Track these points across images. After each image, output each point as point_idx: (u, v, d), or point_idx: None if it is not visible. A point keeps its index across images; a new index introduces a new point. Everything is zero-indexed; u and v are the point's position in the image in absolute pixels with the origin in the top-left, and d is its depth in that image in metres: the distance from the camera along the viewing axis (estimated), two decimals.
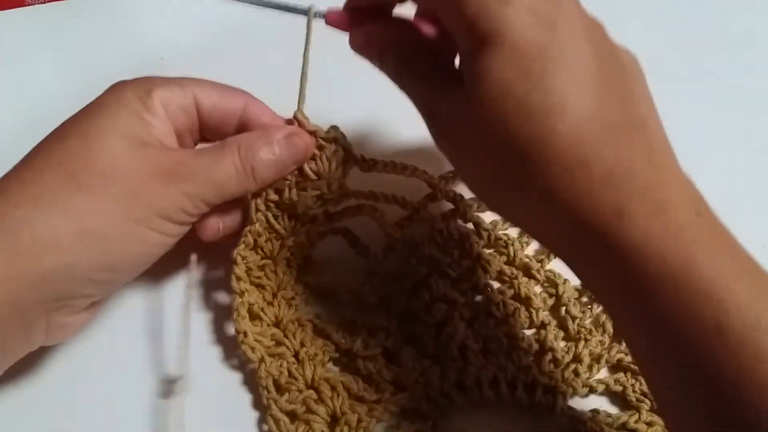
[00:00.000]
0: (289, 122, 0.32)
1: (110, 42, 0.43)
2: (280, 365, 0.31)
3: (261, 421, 0.31)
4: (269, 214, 0.32)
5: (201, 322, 0.33)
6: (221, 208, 0.31)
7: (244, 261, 0.32)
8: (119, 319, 0.33)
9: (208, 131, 0.32)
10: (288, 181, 0.31)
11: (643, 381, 0.32)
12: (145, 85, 0.30)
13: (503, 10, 0.23)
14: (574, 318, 0.34)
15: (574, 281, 0.35)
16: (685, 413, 0.24)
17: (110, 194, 0.27)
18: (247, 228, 0.32)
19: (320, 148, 0.32)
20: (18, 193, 0.26)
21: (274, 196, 0.32)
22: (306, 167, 0.31)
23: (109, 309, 0.33)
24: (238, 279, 0.31)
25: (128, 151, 0.28)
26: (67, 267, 0.26)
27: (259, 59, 0.42)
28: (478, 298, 0.34)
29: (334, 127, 0.32)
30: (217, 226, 0.31)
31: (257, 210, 0.32)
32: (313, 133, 0.32)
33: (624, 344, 0.33)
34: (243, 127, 0.32)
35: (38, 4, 0.45)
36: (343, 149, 0.32)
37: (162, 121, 0.29)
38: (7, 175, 0.28)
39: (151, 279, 0.34)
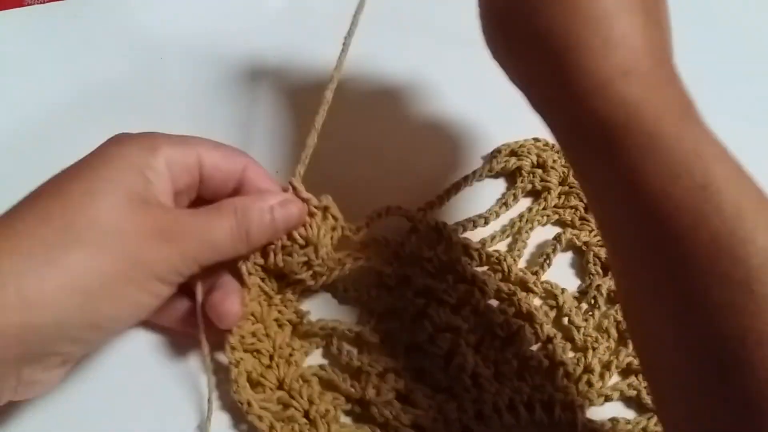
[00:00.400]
0: (284, 188, 0.31)
1: (110, 42, 0.42)
2: (292, 429, 0.30)
3: None
4: (256, 278, 0.31)
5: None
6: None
7: (238, 329, 0.30)
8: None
9: (206, 190, 0.31)
10: (274, 246, 0.31)
11: None
12: (151, 141, 0.29)
13: None
14: (578, 328, 0.33)
15: (572, 288, 0.35)
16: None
17: (108, 252, 0.26)
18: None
19: (311, 215, 0.31)
20: (10, 244, 0.25)
21: (260, 260, 0.31)
22: (295, 233, 0.31)
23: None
24: (233, 348, 0.30)
25: (129, 209, 0.27)
26: (52, 324, 0.25)
27: (259, 61, 0.42)
28: (481, 321, 0.33)
29: (326, 197, 0.32)
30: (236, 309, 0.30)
31: (249, 274, 0.31)
32: (306, 200, 0.31)
33: (631, 347, 0.33)
34: (240, 188, 0.31)
35: (38, 4, 0.45)
36: (333, 218, 0.32)
37: (164, 179, 0.29)
38: (1, 222, 0.26)
39: None
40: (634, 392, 0.32)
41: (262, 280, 0.32)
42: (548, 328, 0.33)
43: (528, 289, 0.34)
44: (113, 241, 0.26)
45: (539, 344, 0.33)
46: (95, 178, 0.27)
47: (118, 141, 0.29)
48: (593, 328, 0.34)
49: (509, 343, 0.33)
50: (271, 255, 0.31)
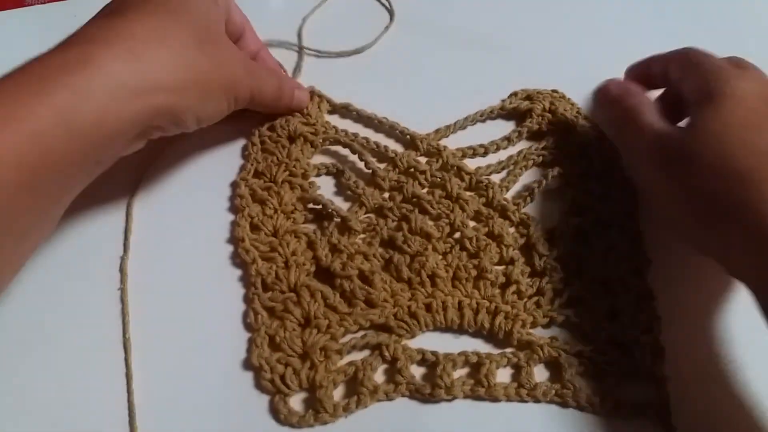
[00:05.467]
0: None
1: None
2: (270, 267, 0.35)
3: (246, 315, 0.35)
4: (266, 139, 0.39)
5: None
6: None
7: (246, 183, 0.37)
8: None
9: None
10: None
11: (600, 315, 0.34)
12: None
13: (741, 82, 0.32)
14: (541, 255, 0.36)
15: (546, 224, 0.37)
16: None
17: (222, 62, 0.34)
18: (248, 159, 0.38)
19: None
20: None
21: (267, 132, 0.39)
22: None
23: None
24: (241, 197, 0.37)
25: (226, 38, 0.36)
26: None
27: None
28: (453, 233, 0.37)
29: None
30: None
31: (253, 143, 0.38)
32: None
33: (583, 279, 0.35)
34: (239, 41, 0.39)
35: (38, 4, 0.45)
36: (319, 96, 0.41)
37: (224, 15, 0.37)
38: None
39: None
40: (578, 320, 0.34)
41: (274, 143, 0.39)
42: (513, 252, 0.36)
43: (505, 216, 0.37)
44: (226, 56, 0.34)
45: (502, 264, 0.36)
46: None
47: None
48: (554, 258, 0.36)
49: (473, 257, 0.36)
50: (277, 122, 0.39)
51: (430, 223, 0.37)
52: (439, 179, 0.38)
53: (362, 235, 0.37)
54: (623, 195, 0.37)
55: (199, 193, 0.39)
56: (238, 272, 0.36)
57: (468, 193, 0.38)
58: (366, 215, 0.38)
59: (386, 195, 0.38)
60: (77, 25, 0.31)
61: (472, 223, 0.37)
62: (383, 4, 0.46)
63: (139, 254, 0.37)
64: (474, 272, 0.36)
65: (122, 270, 0.36)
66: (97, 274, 0.36)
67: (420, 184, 0.38)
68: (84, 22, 0.32)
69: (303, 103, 0.40)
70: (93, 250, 0.37)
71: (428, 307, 0.35)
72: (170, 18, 0.32)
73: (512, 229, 0.37)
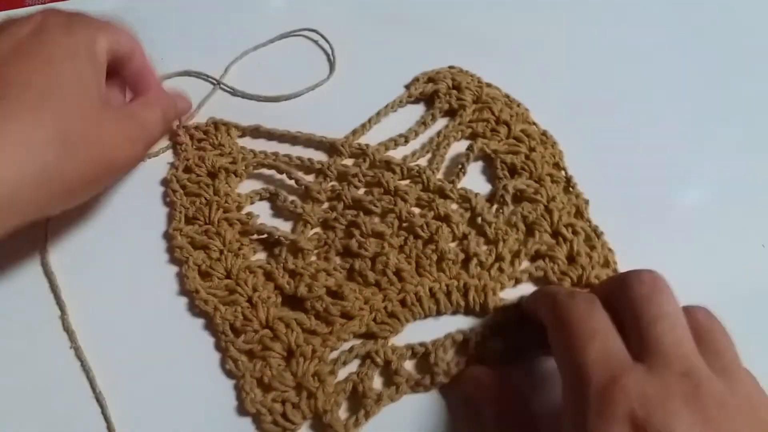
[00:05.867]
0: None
1: None
2: (235, 310, 0.34)
3: (223, 362, 0.34)
4: (186, 182, 0.38)
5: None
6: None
7: (180, 233, 0.36)
8: None
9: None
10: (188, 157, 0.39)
11: (560, 262, 0.36)
12: (93, 30, 0.33)
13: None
14: (489, 224, 0.37)
15: (484, 192, 0.39)
16: None
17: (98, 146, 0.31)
18: (174, 207, 0.37)
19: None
20: None
21: (184, 175, 0.38)
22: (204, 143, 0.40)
23: None
24: (180, 248, 0.36)
25: (97, 106, 0.32)
26: None
27: (258, 58, 0.44)
28: (404, 225, 0.37)
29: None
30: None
31: (174, 189, 0.38)
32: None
33: (538, 236, 0.37)
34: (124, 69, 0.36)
35: (38, 4, 0.45)
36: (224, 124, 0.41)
37: (104, 67, 0.33)
38: None
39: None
40: (542, 273, 0.36)
41: (197, 184, 0.38)
42: (463, 227, 0.37)
43: (445, 196, 0.38)
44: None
45: (456, 242, 0.37)
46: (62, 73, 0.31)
47: (68, 30, 0.32)
48: (503, 223, 0.37)
49: (429, 242, 0.37)
50: (191, 160, 0.39)
51: (378, 221, 0.37)
52: (372, 177, 0.38)
53: (316, 252, 0.37)
54: (545, 148, 0.40)
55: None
56: (200, 321, 0.35)
57: (404, 183, 0.39)
58: (313, 232, 0.37)
59: (326, 206, 0.38)
60: None
61: (417, 211, 0.38)
62: (328, 59, 0.45)
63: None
64: (434, 256, 0.36)
65: (67, 329, 0.34)
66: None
67: (355, 186, 0.38)
68: None
69: (185, 110, 0.40)
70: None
71: (403, 303, 0.35)
72: (30, 117, 0.29)
73: (455, 206, 0.38)
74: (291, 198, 0.38)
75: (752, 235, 0.38)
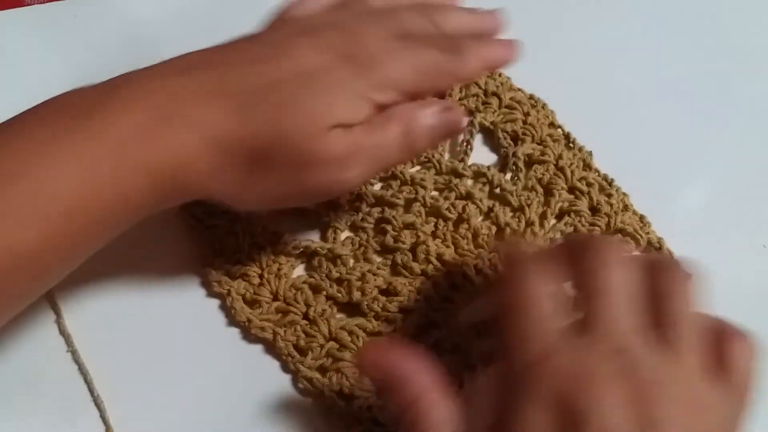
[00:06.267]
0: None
1: (110, 42, 0.43)
2: (294, 330, 0.34)
3: (295, 380, 0.33)
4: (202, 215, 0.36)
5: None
6: None
7: (214, 266, 0.35)
8: None
9: None
10: None
11: (585, 214, 0.38)
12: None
13: None
14: (510, 192, 0.38)
15: (491, 161, 0.40)
16: None
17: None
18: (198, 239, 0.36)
19: None
20: None
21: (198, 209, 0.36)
22: None
23: None
24: (218, 282, 0.35)
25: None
26: None
27: None
28: (430, 211, 0.38)
29: None
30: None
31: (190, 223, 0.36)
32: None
33: (557, 195, 0.38)
34: None
35: (38, 4, 0.45)
36: None
37: None
38: None
39: None
40: (572, 227, 0.38)
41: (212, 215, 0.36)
42: (486, 201, 0.38)
43: (460, 175, 0.39)
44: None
45: (483, 216, 0.38)
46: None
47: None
48: (522, 189, 0.39)
49: (459, 222, 0.37)
50: None
51: (405, 213, 0.38)
52: (384, 172, 0.39)
53: (353, 255, 0.36)
54: (537, 111, 0.41)
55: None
56: (258, 347, 0.34)
57: (417, 171, 0.39)
58: (345, 236, 0.37)
59: (348, 209, 0.38)
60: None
61: (434, 193, 0.39)
62: None
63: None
64: (469, 235, 0.37)
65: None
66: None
67: (371, 184, 0.38)
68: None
69: (452, 128, 0.32)
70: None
71: (453, 286, 0.36)
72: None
73: (471, 182, 0.39)
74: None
75: (752, 235, 0.38)
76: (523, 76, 0.42)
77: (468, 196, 0.38)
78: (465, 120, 0.33)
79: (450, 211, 0.37)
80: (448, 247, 0.36)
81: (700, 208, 0.40)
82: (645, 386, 0.22)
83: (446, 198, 0.38)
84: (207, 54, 0.30)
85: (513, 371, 0.24)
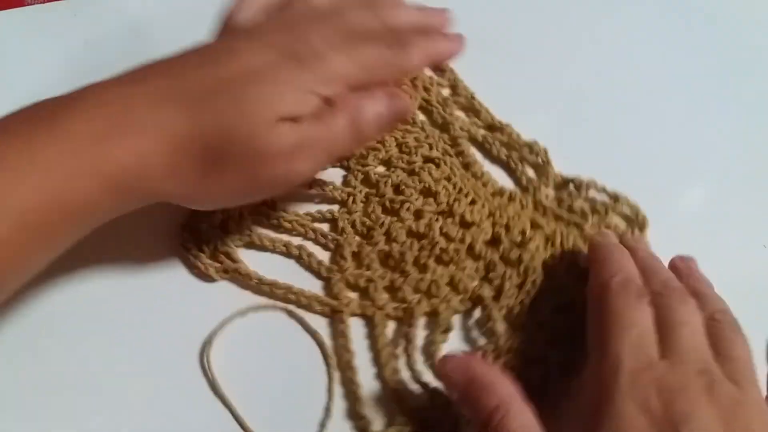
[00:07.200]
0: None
1: (110, 42, 0.43)
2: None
3: None
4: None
5: None
6: None
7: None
8: None
9: None
10: None
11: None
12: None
13: None
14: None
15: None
16: None
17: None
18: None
19: None
20: None
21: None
22: None
23: None
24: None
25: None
26: None
27: None
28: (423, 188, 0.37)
29: None
30: None
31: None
32: None
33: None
34: None
35: (38, 3, 0.45)
36: None
37: None
38: None
39: None
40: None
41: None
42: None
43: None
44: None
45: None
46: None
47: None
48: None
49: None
50: None
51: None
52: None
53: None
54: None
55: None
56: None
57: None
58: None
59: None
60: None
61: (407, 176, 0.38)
62: None
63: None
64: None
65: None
66: None
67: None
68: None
69: (399, 116, 0.34)
70: None
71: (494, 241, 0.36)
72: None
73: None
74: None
75: (753, 235, 0.39)
76: (523, 75, 0.43)
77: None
78: (410, 105, 0.35)
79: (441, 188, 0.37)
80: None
81: (700, 207, 0.40)
82: (728, 403, 0.26)
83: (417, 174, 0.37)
84: (160, 63, 0.31)
85: (615, 375, 0.27)
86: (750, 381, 0.28)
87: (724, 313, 0.31)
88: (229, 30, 0.34)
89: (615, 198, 0.38)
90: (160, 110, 0.28)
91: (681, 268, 0.34)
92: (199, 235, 0.35)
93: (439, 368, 0.31)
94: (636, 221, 0.38)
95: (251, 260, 0.36)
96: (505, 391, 0.28)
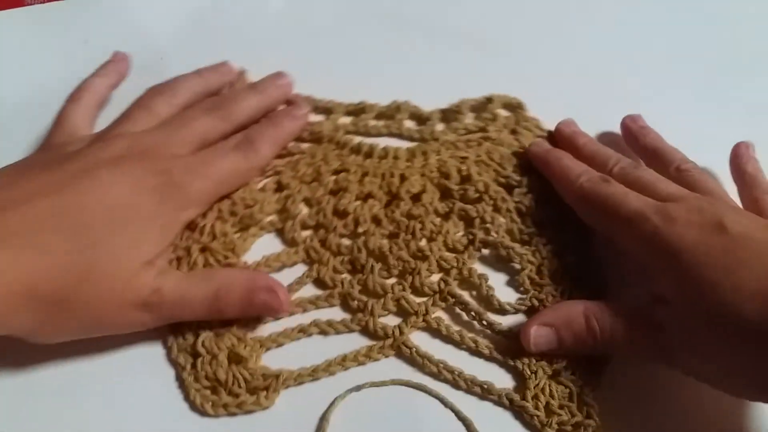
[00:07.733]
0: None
1: (110, 42, 0.43)
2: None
3: None
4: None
5: None
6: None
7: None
8: None
9: None
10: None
11: None
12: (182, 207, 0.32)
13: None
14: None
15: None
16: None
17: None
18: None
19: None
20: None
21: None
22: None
23: None
24: None
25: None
26: None
27: (258, 58, 0.43)
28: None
29: None
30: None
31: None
32: None
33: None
34: None
35: (38, 3, 0.45)
36: None
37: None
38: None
39: None
40: None
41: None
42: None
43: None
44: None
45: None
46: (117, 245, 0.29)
47: (159, 195, 0.31)
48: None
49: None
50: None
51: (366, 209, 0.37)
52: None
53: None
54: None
55: None
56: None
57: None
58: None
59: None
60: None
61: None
62: None
63: None
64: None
65: None
66: None
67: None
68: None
69: (267, 311, 0.32)
70: None
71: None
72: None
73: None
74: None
75: None
76: (523, 76, 0.43)
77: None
78: (286, 302, 0.32)
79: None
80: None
81: None
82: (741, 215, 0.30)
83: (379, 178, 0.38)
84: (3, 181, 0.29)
85: (648, 219, 0.30)
86: (732, 206, 0.31)
87: (686, 161, 0.34)
88: (65, 138, 0.34)
89: (489, 99, 0.41)
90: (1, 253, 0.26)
91: (633, 128, 0.37)
92: None
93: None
94: (513, 105, 0.41)
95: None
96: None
